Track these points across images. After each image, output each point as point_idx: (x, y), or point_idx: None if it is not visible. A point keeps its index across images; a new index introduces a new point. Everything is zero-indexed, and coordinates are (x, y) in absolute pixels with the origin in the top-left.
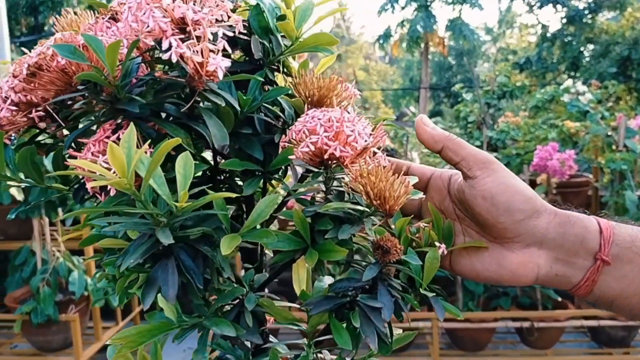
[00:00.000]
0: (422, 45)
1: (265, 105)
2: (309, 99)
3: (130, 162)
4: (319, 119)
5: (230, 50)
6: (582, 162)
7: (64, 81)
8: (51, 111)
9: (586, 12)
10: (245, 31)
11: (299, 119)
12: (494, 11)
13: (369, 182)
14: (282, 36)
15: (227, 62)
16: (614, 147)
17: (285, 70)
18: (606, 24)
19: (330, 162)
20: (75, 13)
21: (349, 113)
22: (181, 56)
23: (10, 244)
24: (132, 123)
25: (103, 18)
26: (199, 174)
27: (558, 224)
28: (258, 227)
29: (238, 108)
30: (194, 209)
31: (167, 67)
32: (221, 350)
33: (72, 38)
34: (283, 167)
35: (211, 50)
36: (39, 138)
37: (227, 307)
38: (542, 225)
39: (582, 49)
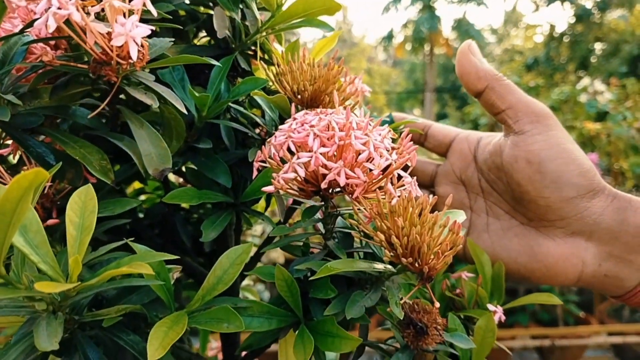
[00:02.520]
0: (427, 46)
1: (236, 107)
2: (298, 96)
3: None
4: (312, 126)
5: (154, 12)
6: (601, 168)
7: None
8: None
9: (594, 10)
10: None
11: (281, 127)
12: (499, 12)
13: (394, 226)
14: (260, 8)
15: (143, 30)
16: (637, 149)
17: (266, 57)
18: (615, 22)
19: (330, 192)
20: None
21: (357, 116)
22: (68, 23)
23: None
24: None
25: None
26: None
27: (616, 209)
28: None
29: (193, 112)
30: (92, 287)
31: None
32: None
33: None
34: (265, 196)
35: (125, 13)
36: None
37: None
38: (596, 209)
39: (590, 48)
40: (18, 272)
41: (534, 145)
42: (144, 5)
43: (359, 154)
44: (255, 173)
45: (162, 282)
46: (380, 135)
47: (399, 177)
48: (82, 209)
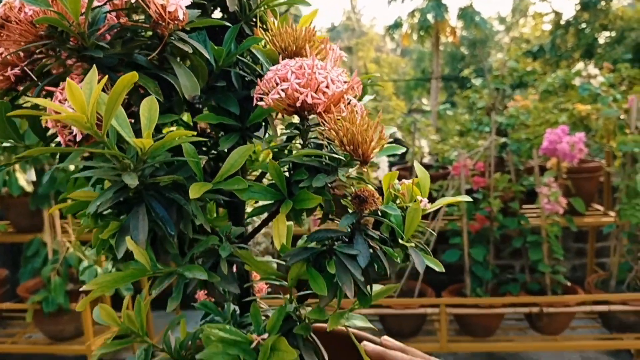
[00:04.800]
0: (433, 34)
1: (243, 60)
2: (285, 51)
3: (86, 98)
4: (291, 66)
5: None
6: (594, 150)
7: (32, 33)
8: (27, 70)
9: None
10: None
11: (271, 68)
12: (507, 0)
13: (342, 128)
14: None
15: (186, 1)
16: (626, 130)
17: (264, 26)
18: (621, 9)
19: (304, 111)
20: None
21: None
22: None
23: (22, 236)
24: (94, 65)
25: None
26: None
27: None
28: None
29: (212, 62)
30: (161, 153)
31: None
32: (207, 310)
33: None
34: (264, 126)
35: None
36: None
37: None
38: None
39: (596, 35)
40: (112, 141)
41: None
42: None
43: (321, 84)
44: (254, 102)
45: (196, 160)
46: (337, 73)
47: (350, 101)
48: (149, 109)
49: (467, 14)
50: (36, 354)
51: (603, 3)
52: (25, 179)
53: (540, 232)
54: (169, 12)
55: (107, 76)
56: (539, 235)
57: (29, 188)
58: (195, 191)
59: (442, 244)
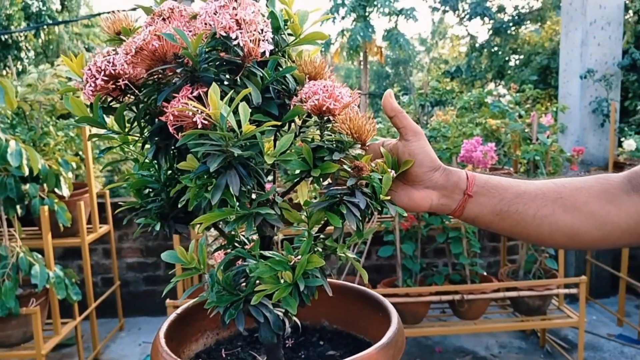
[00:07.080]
0: (361, 54)
1: (279, 80)
2: (308, 75)
3: (220, 104)
4: (319, 85)
5: (270, 40)
6: (505, 159)
7: (152, 59)
8: (130, 84)
9: (510, 24)
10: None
11: (305, 86)
12: (428, 23)
13: (350, 123)
14: (284, 34)
15: (270, 46)
16: (529, 141)
17: (287, 58)
18: (528, 35)
19: (325, 113)
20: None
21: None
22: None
23: None
24: (214, 83)
25: (157, 18)
26: None
27: (445, 175)
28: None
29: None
30: (249, 135)
31: (223, 50)
32: (241, 254)
33: (160, 29)
34: (288, 125)
35: (259, 40)
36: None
37: None
38: (436, 177)
39: (507, 58)
40: (224, 126)
41: (412, 146)
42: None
43: (337, 96)
44: (290, 107)
45: (262, 141)
46: (345, 90)
47: (353, 107)
48: (244, 109)
49: (392, 36)
50: None
51: (513, 29)
52: None
53: (460, 229)
54: (257, 52)
55: (218, 89)
56: (460, 231)
57: None
58: (268, 159)
59: (377, 244)
